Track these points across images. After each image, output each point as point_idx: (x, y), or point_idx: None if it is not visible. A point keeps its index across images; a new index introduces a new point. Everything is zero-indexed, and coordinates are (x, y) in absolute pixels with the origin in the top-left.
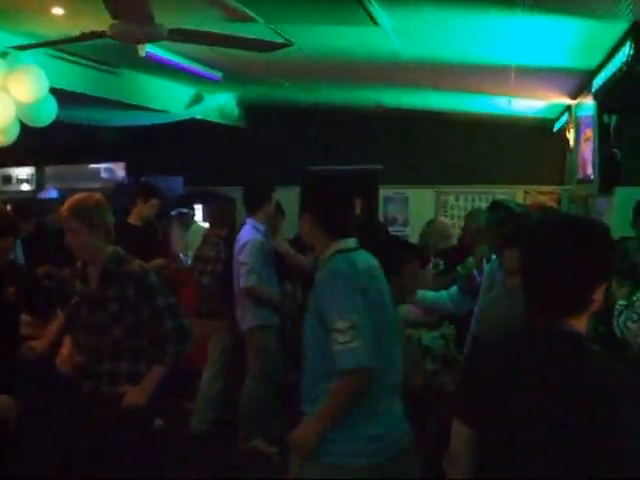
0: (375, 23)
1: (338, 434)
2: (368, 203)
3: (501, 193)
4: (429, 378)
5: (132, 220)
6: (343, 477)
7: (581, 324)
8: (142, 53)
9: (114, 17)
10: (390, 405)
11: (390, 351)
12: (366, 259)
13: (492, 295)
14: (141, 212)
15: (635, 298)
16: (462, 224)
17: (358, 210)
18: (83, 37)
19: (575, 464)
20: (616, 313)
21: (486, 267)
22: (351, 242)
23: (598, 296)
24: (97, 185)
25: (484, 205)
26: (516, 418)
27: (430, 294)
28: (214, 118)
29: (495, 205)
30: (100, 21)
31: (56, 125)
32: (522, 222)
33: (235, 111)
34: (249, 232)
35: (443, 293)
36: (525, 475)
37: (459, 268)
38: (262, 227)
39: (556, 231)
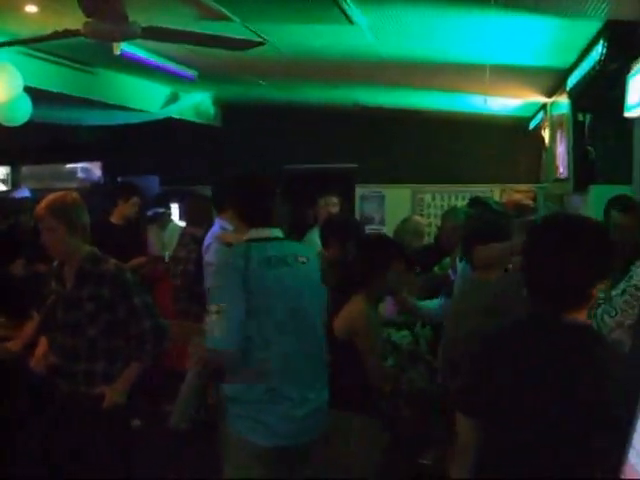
0: (350, 22)
1: (245, 410)
2: (344, 202)
3: (478, 192)
4: (394, 374)
5: (114, 219)
6: (249, 452)
7: (582, 317)
8: (117, 52)
9: (88, 15)
10: (301, 390)
11: (299, 337)
12: (278, 250)
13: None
14: (123, 211)
15: (614, 293)
16: (439, 223)
17: (337, 209)
18: (57, 35)
19: (585, 452)
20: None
21: (459, 265)
22: (265, 232)
23: (595, 292)
24: (74, 185)
25: (461, 204)
26: (526, 410)
27: (423, 304)
28: (190, 117)
29: (474, 202)
30: (75, 19)
31: (31, 124)
32: (495, 219)
33: (211, 110)
34: (216, 232)
35: (435, 302)
36: (532, 467)
37: (436, 268)
38: (230, 227)
39: (558, 231)
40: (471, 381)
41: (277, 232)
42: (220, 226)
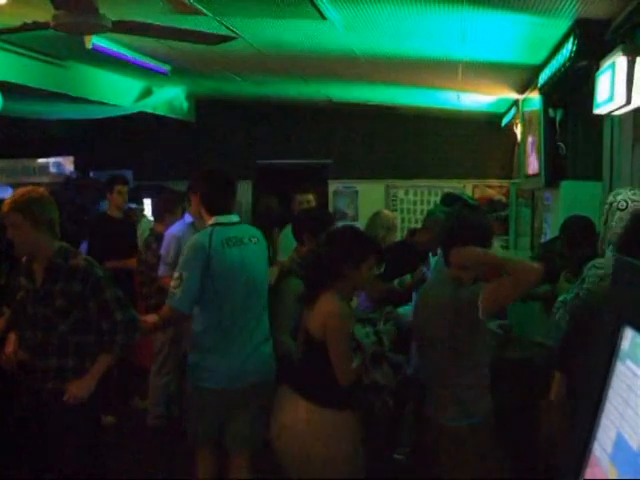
0: (323, 17)
1: (199, 359)
2: (318, 197)
3: (450, 187)
4: (359, 372)
5: (111, 212)
6: (208, 396)
7: None
8: (89, 45)
9: (56, 7)
10: (247, 347)
11: (249, 299)
12: (236, 232)
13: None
14: (114, 202)
15: (569, 297)
16: (412, 218)
17: (314, 203)
18: (25, 27)
19: None
20: (554, 310)
21: (432, 260)
22: (225, 218)
23: None
24: (46, 180)
25: (434, 199)
26: None
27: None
28: (163, 112)
29: (449, 197)
30: (45, 11)
31: (2, 118)
32: (477, 221)
33: (184, 105)
34: (176, 226)
35: (407, 308)
36: None
37: (409, 277)
38: (193, 221)
39: None
40: (567, 342)
41: (235, 218)
42: (184, 220)
